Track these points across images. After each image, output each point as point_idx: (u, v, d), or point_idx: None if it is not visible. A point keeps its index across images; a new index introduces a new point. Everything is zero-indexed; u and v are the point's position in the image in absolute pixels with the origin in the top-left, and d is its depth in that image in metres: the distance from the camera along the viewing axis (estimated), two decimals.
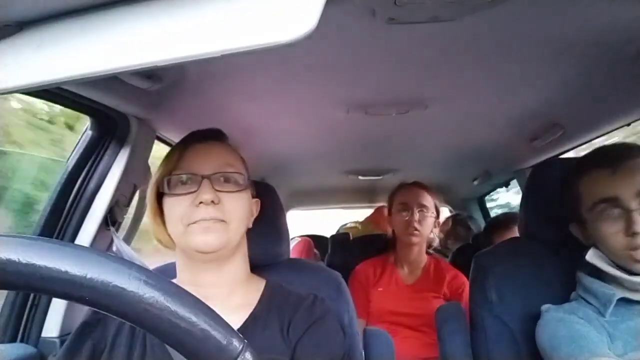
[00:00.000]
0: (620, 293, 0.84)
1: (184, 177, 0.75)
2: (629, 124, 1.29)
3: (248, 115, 1.36)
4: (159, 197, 0.78)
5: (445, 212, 3.03)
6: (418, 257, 1.69)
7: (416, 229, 1.61)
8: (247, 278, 0.83)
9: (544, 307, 0.93)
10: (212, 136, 0.82)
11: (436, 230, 1.77)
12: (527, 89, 1.19)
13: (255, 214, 0.84)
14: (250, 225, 0.82)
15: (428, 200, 1.66)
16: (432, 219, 1.66)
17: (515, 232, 1.72)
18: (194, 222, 0.72)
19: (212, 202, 0.71)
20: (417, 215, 1.62)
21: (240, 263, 0.81)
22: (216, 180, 0.74)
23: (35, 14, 0.48)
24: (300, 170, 2.29)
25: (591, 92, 1.16)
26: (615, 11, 0.79)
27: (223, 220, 0.72)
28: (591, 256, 0.89)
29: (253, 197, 0.83)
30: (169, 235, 0.77)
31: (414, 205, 1.64)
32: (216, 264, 0.77)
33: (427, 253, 1.75)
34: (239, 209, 0.75)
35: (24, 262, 0.29)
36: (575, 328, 0.84)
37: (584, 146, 1.55)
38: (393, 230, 1.75)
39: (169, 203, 0.75)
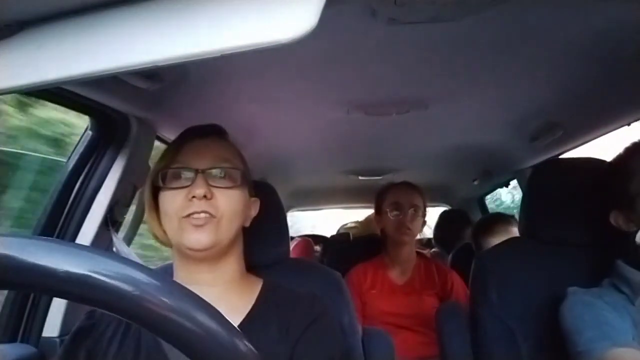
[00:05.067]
0: None
1: (179, 171, 0.75)
2: (629, 124, 1.29)
3: (248, 115, 1.36)
4: (155, 191, 0.78)
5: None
6: (409, 257, 1.70)
7: (408, 228, 1.63)
8: (243, 278, 0.83)
9: (571, 289, 0.93)
10: (211, 131, 0.81)
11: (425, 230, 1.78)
12: (527, 89, 1.20)
13: (254, 214, 0.84)
14: (247, 224, 0.81)
15: (419, 200, 1.68)
16: (422, 219, 1.68)
17: (502, 235, 1.72)
18: (186, 217, 0.72)
19: (205, 196, 0.71)
20: (409, 216, 1.63)
21: (235, 262, 0.81)
22: (211, 175, 0.74)
23: (35, 14, 0.48)
24: (301, 170, 2.29)
25: (591, 92, 1.16)
26: (615, 11, 0.79)
27: (214, 216, 0.72)
28: None
29: (252, 196, 0.83)
30: (164, 231, 0.77)
31: (407, 205, 1.64)
32: (210, 262, 0.76)
33: (418, 253, 1.76)
34: (232, 205, 0.75)
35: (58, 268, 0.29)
36: (601, 314, 0.84)
37: (583, 146, 1.55)
38: (382, 230, 1.75)
39: (163, 197, 0.75)
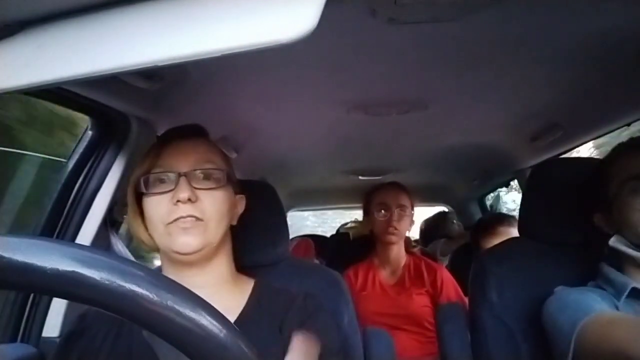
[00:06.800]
0: (635, 283, 0.85)
1: (161, 175, 0.73)
2: (629, 124, 1.29)
3: (248, 115, 1.36)
4: (139, 197, 0.76)
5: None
6: (398, 256, 1.70)
7: (395, 229, 1.63)
8: (234, 278, 0.82)
9: (557, 288, 0.93)
10: (192, 132, 0.79)
11: (411, 229, 1.78)
12: (527, 89, 1.20)
13: (241, 211, 0.83)
14: (235, 223, 0.80)
15: (406, 200, 1.68)
16: (409, 218, 1.69)
17: (503, 235, 1.72)
18: (172, 222, 0.70)
19: (189, 200, 0.70)
20: (396, 216, 1.64)
21: (224, 263, 0.79)
22: (194, 178, 0.73)
23: (35, 14, 0.48)
24: (301, 170, 2.29)
25: (591, 92, 1.16)
26: (615, 11, 0.79)
27: (201, 219, 0.71)
28: (614, 241, 0.89)
29: (237, 193, 0.81)
30: (150, 235, 0.76)
31: (393, 205, 1.65)
32: (199, 264, 0.75)
33: (408, 252, 1.75)
34: (218, 206, 0.74)
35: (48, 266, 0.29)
36: (587, 295, 0.85)
37: (583, 146, 1.55)
38: (371, 231, 1.76)
39: (148, 203, 0.74)
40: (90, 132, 1.09)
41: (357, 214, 3.23)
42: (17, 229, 1.48)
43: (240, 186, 0.84)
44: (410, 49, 0.94)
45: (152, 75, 0.94)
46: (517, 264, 1.09)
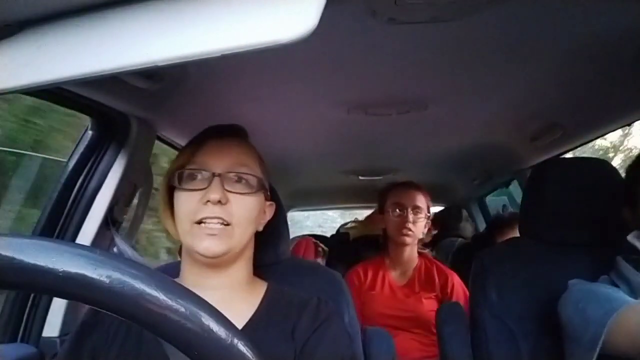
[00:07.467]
0: None
1: (196, 172, 0.74)
2: (629, 124, 1.29)
3: (248, 115, 1.36)
4: (170, 190, 0.77)
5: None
6: (410, 258, 1.68)
7: (410, 230, 1.60)
8: (249, 281, 0.82)
9: (572, 281, 0.93)
10: (231, 132, 0.80)
11: (426, 231, 1.76)
12: (527, 89, 1.19)
13: (269, 218, 0.83)
14: (261, 229, 0.81)
15: (422, 201, 1.66)
16: (425, 220, 1.66)
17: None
18: (199, 222, 0.71)
19: (220, 201, 0.70)
20: (411, 217, 1.61)
21: (244, 267, 0.80)
22: (228, 180, 0.73)
23: (35, 14, 0.48)
24: (301, 170, 2.29)
25: (591, 92, 1.16)
26: (615, 11, 0.79)
27: (228, 223, 0.71)
28: (632, 236, 0.90)
29: (267, 200, 0.82)
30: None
31: (409, 206, 1.63)
32: (219, 267, 0.76)
33: (419, 254, 1.74)
34: (247, 212, 0.74)
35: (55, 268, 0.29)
36: (613, 288, 0.85)
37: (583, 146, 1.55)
38: (384, 230, 1.73)
39: (178, 198, 0.74)
40: (90, 132, 1.09)
41: (358, 214, 3.24)
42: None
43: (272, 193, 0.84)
44: (410, 49, 0.94)
45: (152, 75, 0.94)
46: (517, 263, 1.09)
